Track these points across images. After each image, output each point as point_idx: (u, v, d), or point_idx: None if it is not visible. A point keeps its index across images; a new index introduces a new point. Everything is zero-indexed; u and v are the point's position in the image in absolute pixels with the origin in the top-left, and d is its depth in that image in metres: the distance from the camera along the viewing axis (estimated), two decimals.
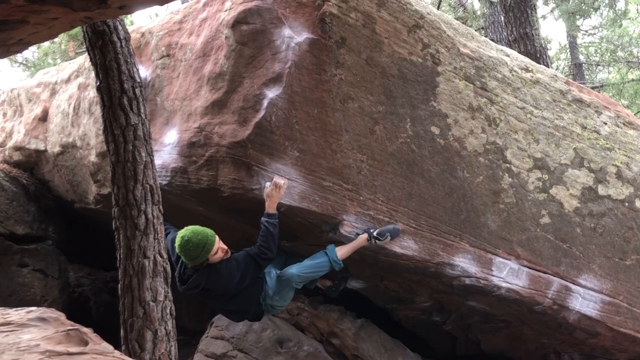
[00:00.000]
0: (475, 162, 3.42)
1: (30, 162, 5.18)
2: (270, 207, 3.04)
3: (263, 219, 3.06)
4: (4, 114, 5.49)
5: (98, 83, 2.92)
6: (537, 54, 7.31)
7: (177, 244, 2.97)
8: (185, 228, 3.01)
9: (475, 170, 3.42)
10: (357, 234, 3.24)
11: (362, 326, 4.02)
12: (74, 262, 5.51)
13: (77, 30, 5.71)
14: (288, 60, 2.98)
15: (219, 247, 3.02)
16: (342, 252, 3.20)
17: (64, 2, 1.72)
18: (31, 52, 9.33)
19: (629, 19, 11.76)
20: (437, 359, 4.79)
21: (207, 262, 3.03)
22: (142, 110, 2.96)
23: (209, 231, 3.01)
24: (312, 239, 3.44)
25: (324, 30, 3.09)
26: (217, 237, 3.03)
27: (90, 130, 4.23)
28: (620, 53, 11.42)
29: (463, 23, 4.98)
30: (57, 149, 4.67)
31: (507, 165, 3.49)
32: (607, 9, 9.59)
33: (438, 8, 8.48)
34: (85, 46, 3.02)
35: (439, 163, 3.35)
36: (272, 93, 3.06)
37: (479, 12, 9.07)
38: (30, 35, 1.97)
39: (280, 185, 3.02)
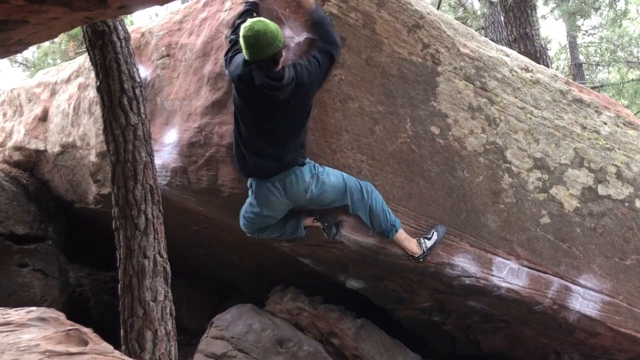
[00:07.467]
0: (475, 162, 3.42)
1: (30, 162, 5.18)
2: (309, 4, 2.94)
3: (313, 13, 2.91)
4: (4, 114, 5.50)
5: (98, 83, 2.93)
6: (537, 54, 7.31)
7: (247, 31, 2.64)
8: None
9: (475, 170, 3.42)
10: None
11: (362, 326, 4.02)
12: (74, 262, 5.52)
13: (77, 30, 5.71)
14: (288, 61, 2.98)
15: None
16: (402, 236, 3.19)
17: (64, 2, 1.72)
18: (31, 52, 9.33)
19: (629, 19, 11.75)
20: (437, 359, 4.79)
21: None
22: (142, 110, 2.96)
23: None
24: (312, 239, 3.44)
25: None
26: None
27: (90, 130, 4.23)
28: (620, 53, 11.41)
29: (463, 23, 4.97)
30: (57, 149, 4.67)
31: (507, 165, 3.49)
32: (607, 9, 9.59)
33: (438, 8, 8.48)
34: (85, 46, 3.02)
35: (439, 163, 3.35)
36: None
37: (479, 12, 9.08)
38: (30, 35, 1.97)
39: None
